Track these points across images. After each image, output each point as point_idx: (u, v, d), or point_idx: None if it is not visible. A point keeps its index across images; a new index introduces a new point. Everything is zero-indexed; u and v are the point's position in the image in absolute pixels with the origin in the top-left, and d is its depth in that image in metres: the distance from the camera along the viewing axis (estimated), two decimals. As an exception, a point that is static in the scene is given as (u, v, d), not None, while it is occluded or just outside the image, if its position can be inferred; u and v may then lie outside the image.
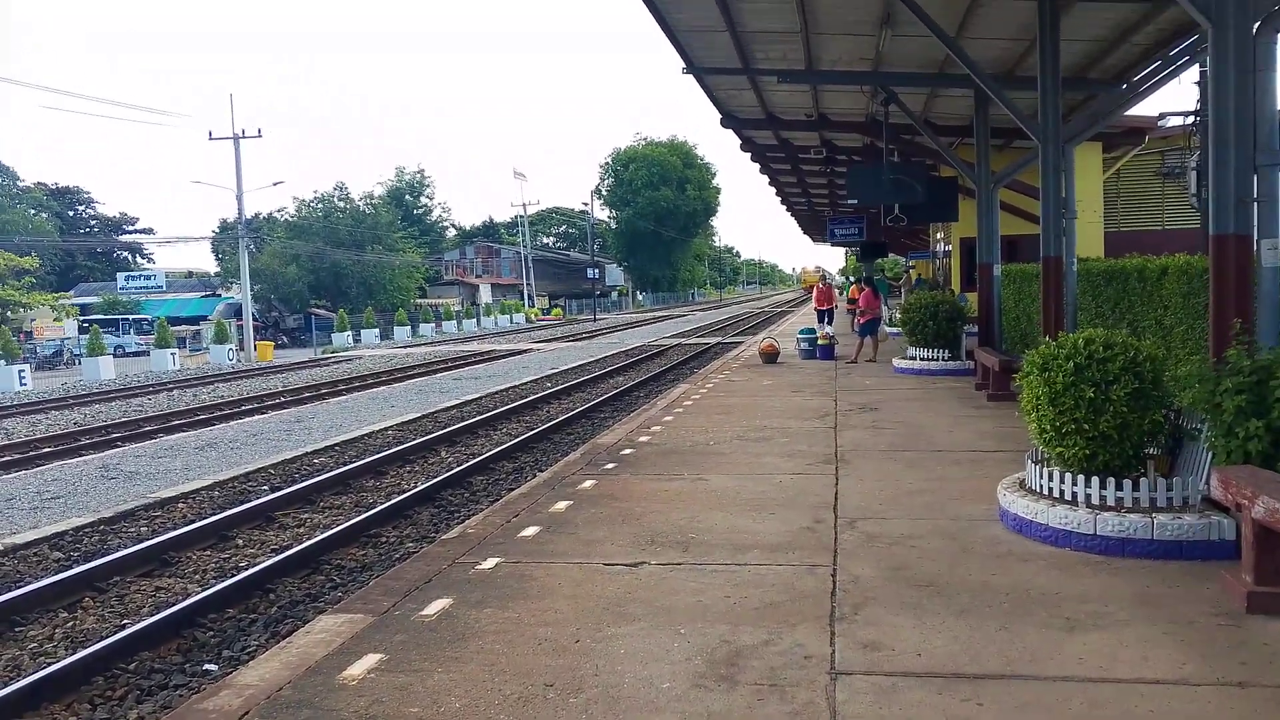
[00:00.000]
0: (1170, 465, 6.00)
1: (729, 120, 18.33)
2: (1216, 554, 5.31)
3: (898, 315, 21.79)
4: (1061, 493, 5.90)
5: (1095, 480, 5.75)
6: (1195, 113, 18.71)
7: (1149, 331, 9.72)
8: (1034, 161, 11.91)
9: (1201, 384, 5.48)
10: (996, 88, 11.79)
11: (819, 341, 19.56)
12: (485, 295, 76.91)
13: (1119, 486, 5.70)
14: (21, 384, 28.62)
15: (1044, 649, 4.20)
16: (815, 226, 46.54)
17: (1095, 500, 5.72)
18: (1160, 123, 21.01)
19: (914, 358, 16.31)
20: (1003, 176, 15.08)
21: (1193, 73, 18.99)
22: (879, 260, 42.34)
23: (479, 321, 63.90)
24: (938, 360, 15.92)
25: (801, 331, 20.41)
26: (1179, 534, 5.39)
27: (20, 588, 7.15)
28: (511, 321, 66.84)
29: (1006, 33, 12.16)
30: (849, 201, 23.76)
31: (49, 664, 5.74)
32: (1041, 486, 6.07)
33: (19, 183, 76.59)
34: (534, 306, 77.05)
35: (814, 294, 30.37)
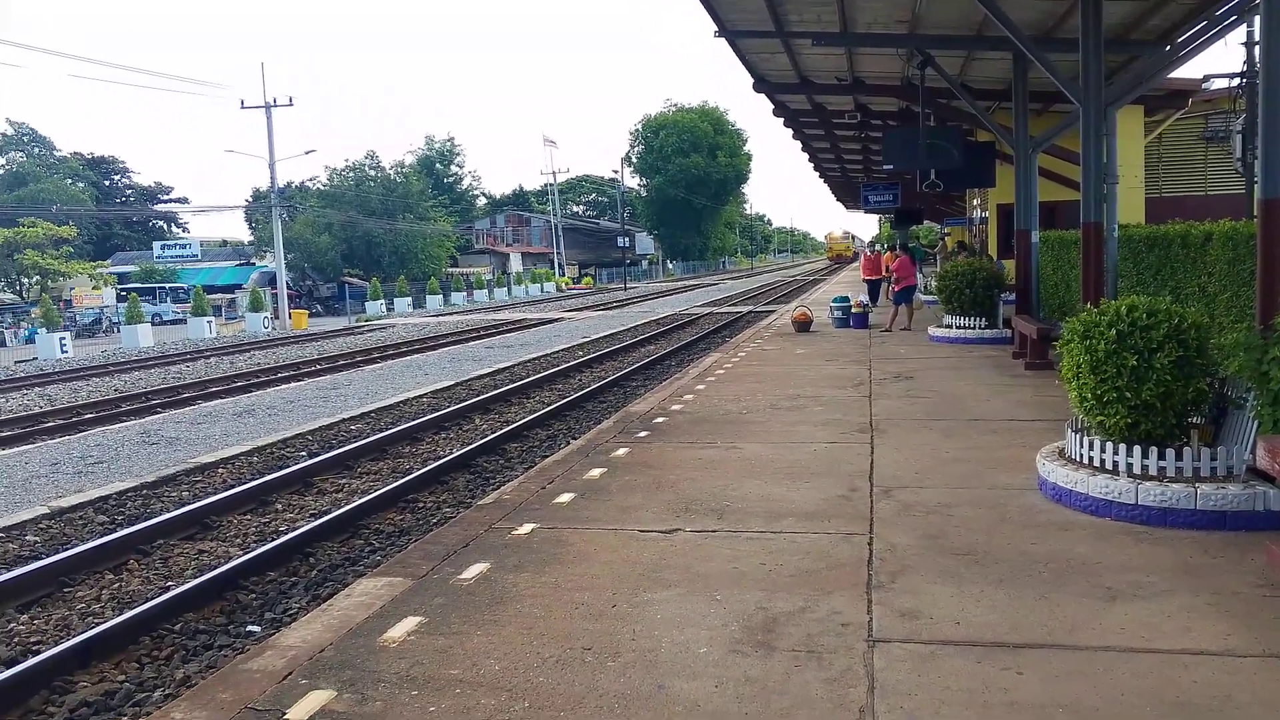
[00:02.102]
0: (1214, 435, 5.90)
1: (761, 85, 18.08)
2: (1262, 525, 5.22)
3: (933, 283, 21.56)
4: (1102, 462, 5.83)
5: (1137, 449, 5.68)
6: (1241, 74, 18.26)
7: (1192, 299, 9.53)
8: (1074, 125, 11.64)
9: (1248, 352, 5.37)
10: (1036, 50, 11.51)
11: (853, 310, 19.40)
12: (515, 264, 77.00)
13: (1161, 456, 5.62)
14: (63, 351, 29.15)
15: (1084, 618, 4.17)
16: (848, 193, 45.98)
17: (1137, 469, 5.65)
18: (1204, 85, 20.51)
19: (950, 326, 16.14)
20: (1042, 141, 14.79)
21: (1239, 33, 18.55)
22: (913, 227, 41.84)
23: (509, 290, 64.05)
24: (974, 329, 15.75)
25: (835, 300, 20.26)
26: (1223, 504, 5.31)
27: (68, 550, 7.32)
28: (542, 290, 66.90)
29: (1048, -7, 11.85)
30: (884, 167, 23.39)
31: (98, 624, 5.88)
32: (1082, 455, 6.00)
33: (56, 152, 77.64)
34: (564, 275, 77.06)
35: (860, 262, 29.98)
